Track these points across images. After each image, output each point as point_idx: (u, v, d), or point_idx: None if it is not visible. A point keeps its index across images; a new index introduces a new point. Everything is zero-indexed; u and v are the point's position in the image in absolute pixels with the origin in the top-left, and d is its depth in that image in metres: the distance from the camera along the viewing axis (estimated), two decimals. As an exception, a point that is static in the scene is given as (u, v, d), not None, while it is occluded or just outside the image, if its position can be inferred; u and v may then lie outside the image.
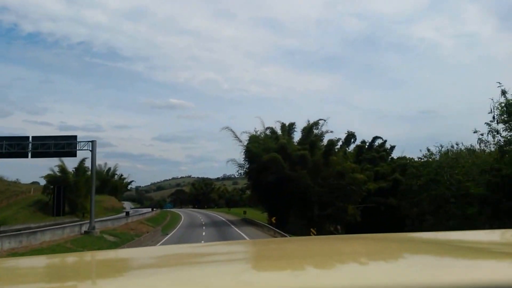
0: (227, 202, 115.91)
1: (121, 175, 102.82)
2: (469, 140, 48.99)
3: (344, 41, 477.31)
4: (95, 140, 29.14)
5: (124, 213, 74.58)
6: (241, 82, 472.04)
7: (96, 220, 41.94)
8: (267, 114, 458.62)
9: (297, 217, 40.92)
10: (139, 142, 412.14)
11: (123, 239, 28.80)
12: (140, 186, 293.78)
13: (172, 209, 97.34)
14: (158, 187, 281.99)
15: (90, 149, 28.93)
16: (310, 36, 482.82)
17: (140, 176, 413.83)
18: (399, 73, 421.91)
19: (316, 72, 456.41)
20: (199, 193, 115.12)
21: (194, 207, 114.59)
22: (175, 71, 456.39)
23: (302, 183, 38.57)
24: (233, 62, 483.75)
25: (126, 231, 34.90)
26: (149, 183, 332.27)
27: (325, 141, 43.65)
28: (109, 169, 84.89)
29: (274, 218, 36.23)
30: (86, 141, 29.11)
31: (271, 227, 35.35)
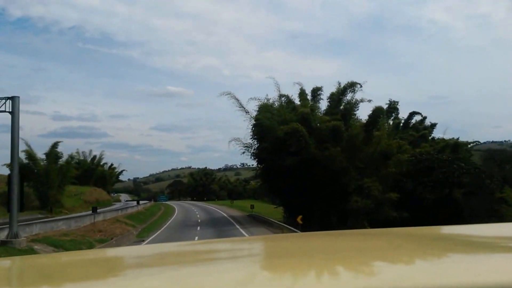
0: (230, 194, 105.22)
1: (111, 165, 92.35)
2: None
3: (351, 24, 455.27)
4: (18, 97, 18.18)
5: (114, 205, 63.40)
6: (243, 67, 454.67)
7: (57, 218, 31.66)
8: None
9: (324, 212, 29.95)
10: (137, 132, 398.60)
11: (67, 250, 17.83)
12: (138, 178, 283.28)
13: (167, 202, 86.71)
14: (157, 178, 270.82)
15: (10, 109, 18.00)
16: (314, 18, 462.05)
17: (138, 167, 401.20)
18: (408, 57, 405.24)
19: (321, 57, 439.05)
20: (198, 184, 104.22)
21: (192, 200, 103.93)
22: (173, 57, 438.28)
23: (335, 166, 27.54)
24: (234, 46, 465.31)
25: (85, 235, 24.11)
26: (147, 175, 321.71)
27: (360, 113, 32.54)
28: (94, 157, 73.90)
29: (300, 217, 25.16)
30: (3, 98, 18.13)
31: (291, 227, 24.62)
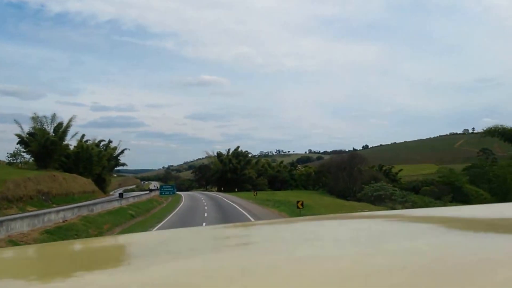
0: (271, 182, 76.55)
1: (109, 143, 66.23)
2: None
3: (389, 6, 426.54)
4: None
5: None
6: (276, 55, 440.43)
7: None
8: (304, 89, 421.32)
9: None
10: (172, 121, 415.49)
11: None
12: (172, 166, 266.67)
13: (178, 193, 59.87)
14: (190, 166, 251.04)
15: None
16: (350, 1, 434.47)
17: (173, 155, 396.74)
18: (451, 39, 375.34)
19: (357, 41, 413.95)
20: (227, 169, 75.97)
21: (219, 190, 76.17)
22: (206, 46, 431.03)
23: None
24: (267, 34, 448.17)
25: None
26: (181, 162, 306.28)
27: None
28: (60, 124, 46.73)
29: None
30: None
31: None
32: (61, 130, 45.26)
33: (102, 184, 61.84)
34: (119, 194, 31.56)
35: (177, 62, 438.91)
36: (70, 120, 46.86)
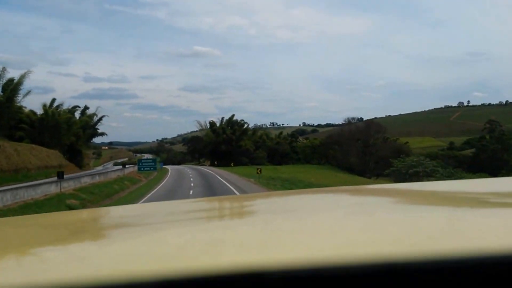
0: (271, 155, 67.67)
1: (85, 109, 56.60)
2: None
3: None
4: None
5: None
6: (269, 27, 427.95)
7: None
8: (297, 61, 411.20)
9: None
10: (166, 93, 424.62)
11: None
12: (166, 138, 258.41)
13: (166, 167, 51.25)
14: (184, 138, 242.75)
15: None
16: None
17: (167, 128, 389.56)
18: (443, 12, 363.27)
19: (351, 13, 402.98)
20: (221, 140, 66.70)
21: (212, 164, 67.28)
22: (199, 17, 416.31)
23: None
24: (260, 3, 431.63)
25: None
26: (175, 135, 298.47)
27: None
28: (10, 81, 36.81)
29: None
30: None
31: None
32: (10, 88, 35.49)
33: (76, 157, 52.71)
34: (58, 173, 21.63)
35: (170, 32, 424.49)
36: (22, 76, 36.97)
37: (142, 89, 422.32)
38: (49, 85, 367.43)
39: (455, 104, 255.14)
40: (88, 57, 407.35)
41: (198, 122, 78.83)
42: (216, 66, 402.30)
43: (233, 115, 71.91)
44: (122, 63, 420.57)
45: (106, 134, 61.67)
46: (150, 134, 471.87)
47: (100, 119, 57.37)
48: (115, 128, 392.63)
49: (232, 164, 55.90)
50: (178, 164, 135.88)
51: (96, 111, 57.21)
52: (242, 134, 67.32)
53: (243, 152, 63.69)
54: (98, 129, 60.19)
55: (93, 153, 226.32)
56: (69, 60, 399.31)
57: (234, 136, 65.47)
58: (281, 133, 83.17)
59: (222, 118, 72.12)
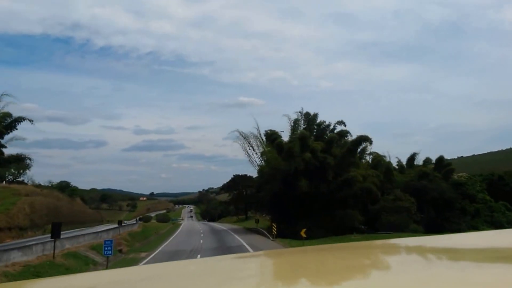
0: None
1: None
2: None
3: (425, 30, 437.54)
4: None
5: None
6: (311, 78, 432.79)
7: None
8: (340, 108, 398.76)
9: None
10: (211, 143, 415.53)
11: None
12: (212, 188, 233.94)
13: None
14: (228, 189, 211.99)
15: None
16: (386, 27, 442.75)
17: (213, 177, 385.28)
18: (491, 59, 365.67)
19: (394, 63, 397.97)
20: (301, 169, 31.68)
21: (275, 228, 32.42)
22: (242, 72, 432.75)
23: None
24: (302, 60, 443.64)
25: None
26: (221, 184, 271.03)
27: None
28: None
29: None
30: None
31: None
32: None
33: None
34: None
35: (214, 86, 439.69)
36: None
37: (189, 139, 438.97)
38: (102, 138, 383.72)
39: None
40: (137, 111, 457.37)
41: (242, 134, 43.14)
42: (260, 115, 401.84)
43: (316, 114, 36.63)
44: (169, 115, 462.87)
45: (24, 139, 28.64)
46: (196, 184, 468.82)
47: (15, 122, 25.98)
48: (164, 179, 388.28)
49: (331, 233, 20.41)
50: (213, 220, 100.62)
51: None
52: (348, 157, 31.55)
53: (346, 197, 27.86)
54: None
55: (127, 205, 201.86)
56: (120, 115, 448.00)
57: (330, 159, 29.87)
58: (430, 161, 44.82)
59: (299, 118, 36.02)
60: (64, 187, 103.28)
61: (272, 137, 33.95)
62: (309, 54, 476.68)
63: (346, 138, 32.58)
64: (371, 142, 30.25)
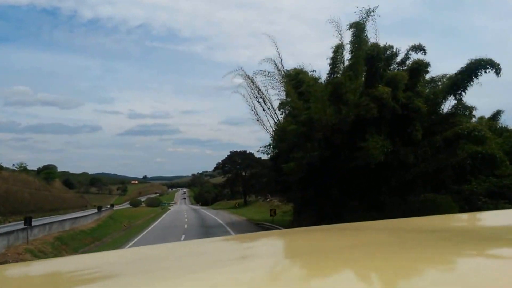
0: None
1: None
2: None
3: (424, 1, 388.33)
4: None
5: None
6: (306, 57, 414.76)
7: None
8: None
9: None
10: (207, 127, 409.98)
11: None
12: (206, 171, 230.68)
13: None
14: (223, 171, 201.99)
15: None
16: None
17: (208, 161, 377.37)
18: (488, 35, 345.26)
19: (390, 38, 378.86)
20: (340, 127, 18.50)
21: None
22: (237, 50, 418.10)
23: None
24: (296, 35, 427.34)
25: None
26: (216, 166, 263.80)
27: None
28: None
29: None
30: None
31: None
32: None
33: None
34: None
35: (208, 66, 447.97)
36: None
37: (184, 124, 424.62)
38: (96, 123, 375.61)
39: None
40: (130, 94, 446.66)
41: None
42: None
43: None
44: (164, 99, 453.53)
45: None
46: (191, 168, 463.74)
47: None
48: (159, 163, 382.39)
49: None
50: (206, 204, 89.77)
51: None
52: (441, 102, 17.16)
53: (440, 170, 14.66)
54: None
55: (118, 189, 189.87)
56: (113, 98, 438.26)
57: (419, 103, 16.01)
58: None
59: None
60: (41, 171, 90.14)
61: (298, 77, 20.08)
62: (303, 28, 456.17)
63: (426, 73, 18.59)
64: (498, 71, 16.07)
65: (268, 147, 24.00)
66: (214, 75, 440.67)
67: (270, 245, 1.31)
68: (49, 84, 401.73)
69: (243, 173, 59.32)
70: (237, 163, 60.63)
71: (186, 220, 36.39)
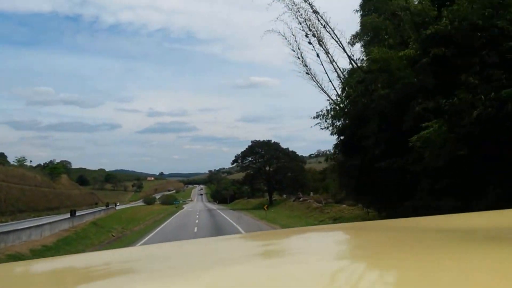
0: None
1: None
2: None
3: None
4: None
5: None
6: (331, 53, 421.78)
7: None
8: None
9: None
10: (224, 125, 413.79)
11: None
12: (223, 168, 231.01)
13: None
14: (242, 167, 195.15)
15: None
16: None
17: (225, 158, 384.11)
18: None
19: None
20: None
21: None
22: (255, 49, 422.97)
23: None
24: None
25: None
26: (234, 165, 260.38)
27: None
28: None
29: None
30: None
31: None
32: None
33: None
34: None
35: (226, 66, 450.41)
36: None
37: (201, 121, 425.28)
38: (116, 121, 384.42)
39: None
40: (149, 93, 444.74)
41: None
42: (274, 95, 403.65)
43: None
44: (181, 97, 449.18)
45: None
46: (208, 165, 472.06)
47: None
48: (176, 160, 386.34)
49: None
50: (225, 202, 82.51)
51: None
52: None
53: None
54: None
55: (133, 185, 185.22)
56: (132, 97, 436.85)
57: None
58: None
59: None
60: (46, 167, 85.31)
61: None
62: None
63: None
64: None
65: (328, 115, 15.62)
66: (231, 74, 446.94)
67: (285, 244, 1.25)
68: (71, 85, 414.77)
69: (267, 168, 50.71)
70: (260, 155, 52.07)
71: (195, 230, 27.06)
